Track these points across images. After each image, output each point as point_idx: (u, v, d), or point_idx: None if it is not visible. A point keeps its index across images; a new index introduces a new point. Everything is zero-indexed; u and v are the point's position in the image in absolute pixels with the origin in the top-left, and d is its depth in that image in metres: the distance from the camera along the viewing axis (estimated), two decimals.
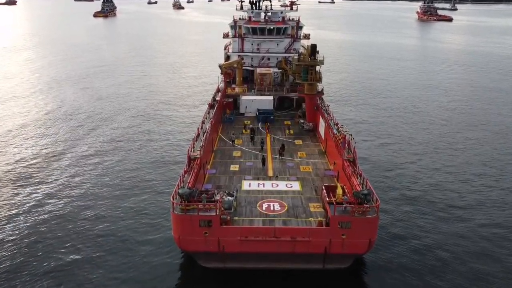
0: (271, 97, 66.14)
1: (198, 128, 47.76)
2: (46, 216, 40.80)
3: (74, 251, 35.12)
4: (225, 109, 63.77)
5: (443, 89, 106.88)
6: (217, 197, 35.92)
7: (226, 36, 79.14)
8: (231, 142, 52.45)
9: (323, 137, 52.69)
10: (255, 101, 65.36)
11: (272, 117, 62.03)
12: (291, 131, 57.91)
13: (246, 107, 65.73)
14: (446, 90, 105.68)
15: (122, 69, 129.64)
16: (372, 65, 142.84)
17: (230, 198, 35.80)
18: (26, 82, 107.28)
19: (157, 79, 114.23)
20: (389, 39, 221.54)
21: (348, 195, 35.75)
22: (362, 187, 35.23)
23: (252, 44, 76.25)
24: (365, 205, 31.29)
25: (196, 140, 44.65)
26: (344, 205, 31.60)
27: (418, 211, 43.02)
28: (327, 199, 35.33)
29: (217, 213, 31.13)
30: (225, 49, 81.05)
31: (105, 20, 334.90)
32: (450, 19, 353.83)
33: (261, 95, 67.83)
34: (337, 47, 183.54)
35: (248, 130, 56.06)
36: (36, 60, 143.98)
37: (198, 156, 39.96)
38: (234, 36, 76.53)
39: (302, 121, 59.81)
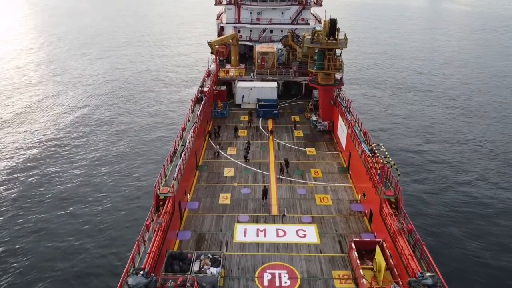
0: (274, 84, 52.61)
1: (174, 142, 34.74)
2: None
3: None
4: (216, 101, 50.42)
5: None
6: (195, 268, 23.99)
7: (218, 2, 64.35)
8: (217, 152, 39.59)
9: (343, 145, 39.77)
10: (254, 89, 51.89)
11: (276, 111, 48.77)
12: (301, 133, 44.92)
13: (243, 96, 52.33)
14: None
15: (99, 43, 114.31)
16: (393, 36, 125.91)
17: (214, 271, 23.61)
18: None
19: (137, 58, 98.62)
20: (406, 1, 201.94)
21: (393, 263, 23.72)
22: (415, 252, 23.02)
23: (251, 13, 61.88)
24: None
25: (171, 162, 31.97)
26: None
27: None
28: (362, 272, 23.34)
29: None
30: (217, 19, 66.30)
31: None
32: None
33: (261, 79, 54.32)
34: (350, 14, 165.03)
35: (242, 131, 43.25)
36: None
37: (170, 194, 27.43)
38: (229, 3, 61.87)
39: (314, 118, 46.60)
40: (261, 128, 46.02)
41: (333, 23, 40.17)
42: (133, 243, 23.82)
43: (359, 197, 32.75)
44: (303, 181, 35.37)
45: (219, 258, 24.73)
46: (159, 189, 27.73)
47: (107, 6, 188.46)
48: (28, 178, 44.56)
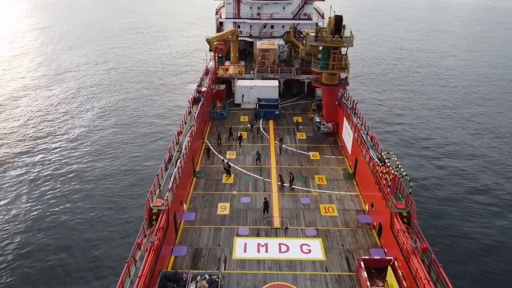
0: (275, 83, 50.37)
1: (170, 148, 32.61)
2: None
3: None
4: (215, 100, 48.22)
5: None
6: None
7: None
8: (224, 170, 35.31)
9: (349, 150, 37.64)
10: (254, 88, 49.67)
11: (277, 112, 46.58)
12: (303, 135, 42.78)
13: (243, 95, 50.12)
14: None
15: (93, 38, 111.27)
16: (399, 31, 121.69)
17: None
18: None
19: (133, 56, 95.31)
20: None
21: (406, 285, 21.73)
22: (431, 274, 21.04)
23: (251, 8, 59.48)
24: None
25: (166, 170, 29.89)
26: None
27: None
28: None
29: None
30: (216, 14, 63.92)
31: None
32: None
33: (262, 78, 52.09)
34: (354, 7, 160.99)
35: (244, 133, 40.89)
36: None
37: (164, 207, 25.38)
38: None
39: (317, 119, 44.46)
40: (261, 130, 43.88)
41: (338, 20, 37.80)
42: (123, 263, 21.86)
43: (367, 207, 30.70)
44: (307, 189, 33.29)
45: (217, 279, 22.74)
46: (152, 201, 25.67)
47: (106, 3, 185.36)
48: (11, 181, 42.61)
